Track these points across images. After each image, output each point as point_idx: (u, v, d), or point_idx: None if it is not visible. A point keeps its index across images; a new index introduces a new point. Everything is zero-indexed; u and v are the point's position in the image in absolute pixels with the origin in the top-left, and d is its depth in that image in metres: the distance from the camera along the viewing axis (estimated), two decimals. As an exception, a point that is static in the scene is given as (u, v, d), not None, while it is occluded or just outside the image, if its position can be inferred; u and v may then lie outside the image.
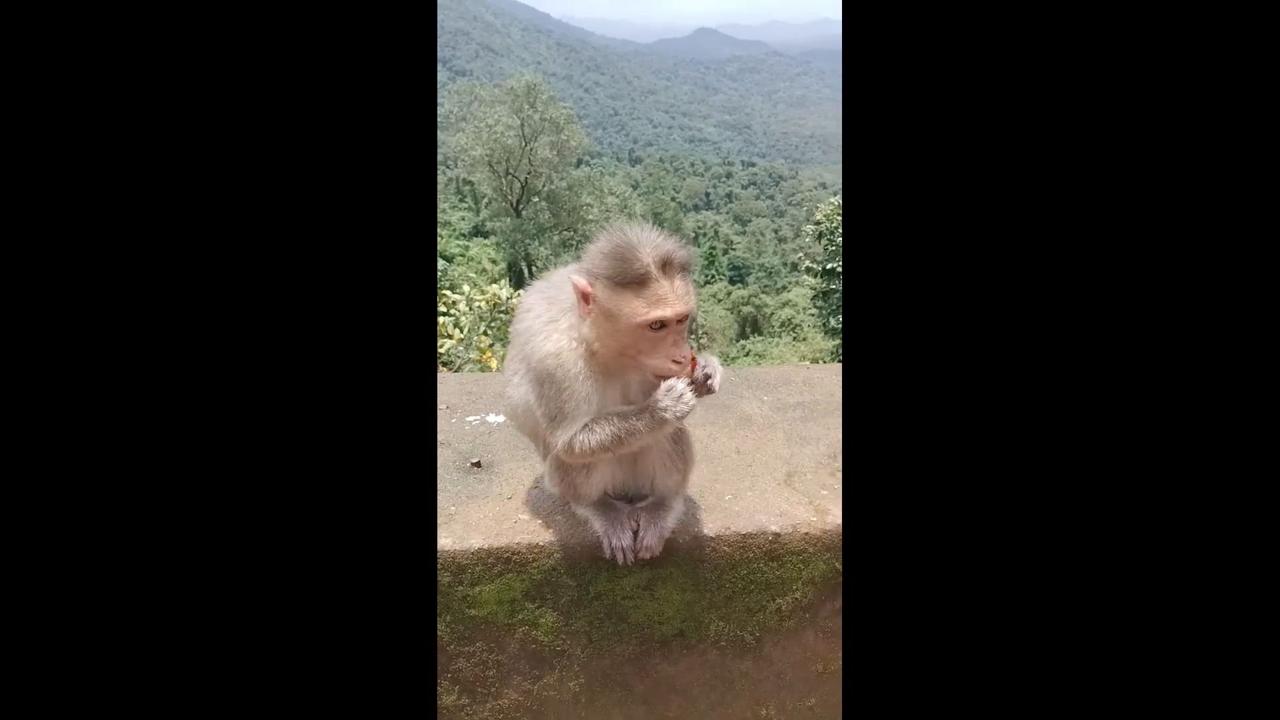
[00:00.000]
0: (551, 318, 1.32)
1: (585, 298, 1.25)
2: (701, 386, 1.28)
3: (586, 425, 1.29)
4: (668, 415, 1.25)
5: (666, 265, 1.22)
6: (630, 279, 1.20)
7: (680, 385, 1.25)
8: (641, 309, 1.21)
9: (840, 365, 2.36)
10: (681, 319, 1.23)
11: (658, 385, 1.28)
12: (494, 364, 5.16)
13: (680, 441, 1.43)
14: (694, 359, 1.28)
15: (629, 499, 1.48)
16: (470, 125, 33.62)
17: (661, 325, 1.22)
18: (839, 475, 1.68)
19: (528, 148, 33.33)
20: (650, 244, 1.23)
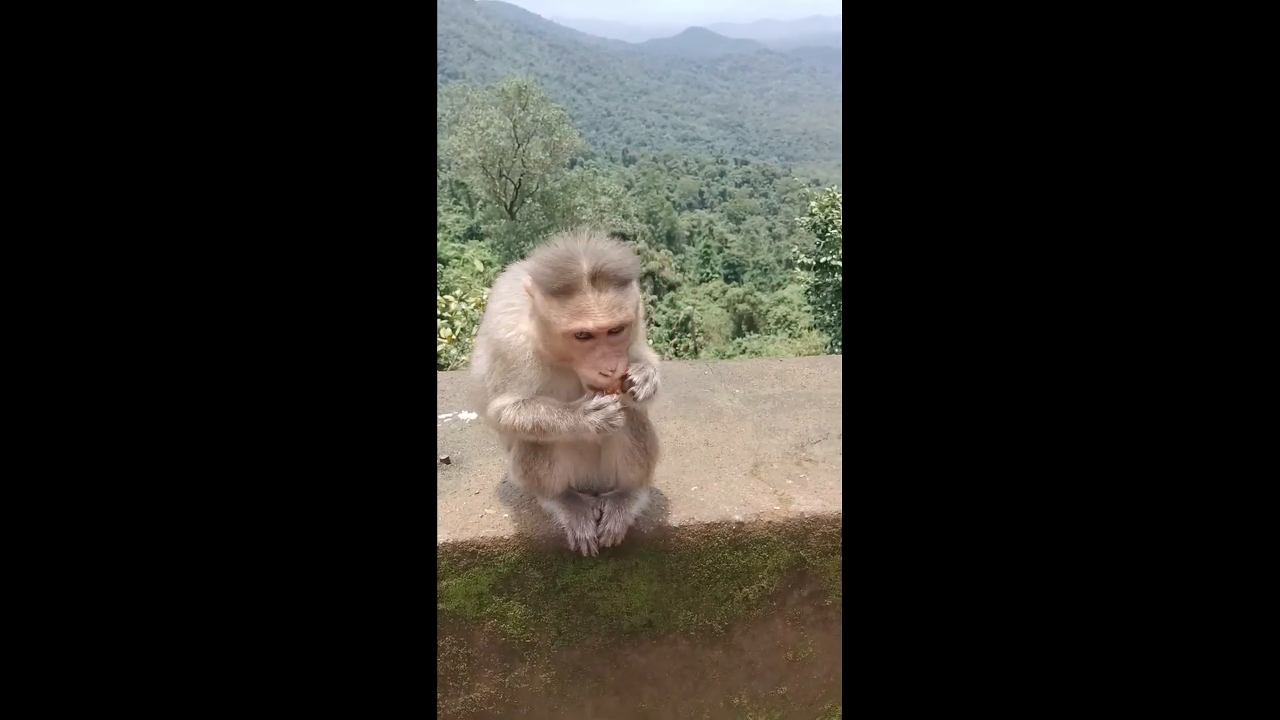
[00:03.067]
0: (511, 303, 1.36)
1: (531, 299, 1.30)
2: (625, 396, 1.29)
3: (518, 403, 1.34)
4: (591, 430, 1.28)
5: (597, 277, 1.22)
6: (558, 288, 1.23)
7: (611, 406, 1.27)
8: (565, 319, 1.23)
9: (814, 359, 2.38)
10: (609, 331, 1.24)
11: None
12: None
13: (643, 437, 1.44)
14: (626, 374, 1.28)
15: (594, 492, 1.50)
16: (463, 128, 33.60)
17: (587, 335, 1.24)
18: (805, 465, 1.70)
19: (520, 149, 33.33)
20: (586, 254, 1.23)
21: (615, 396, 1.28)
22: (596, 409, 1.27)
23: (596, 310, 1.22)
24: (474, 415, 1.89)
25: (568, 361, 1.30)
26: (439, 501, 1.54)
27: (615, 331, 1.24)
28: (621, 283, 1.24)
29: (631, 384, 1.28)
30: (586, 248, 1.25)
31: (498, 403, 1.36)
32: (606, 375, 1.27)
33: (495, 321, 1.37)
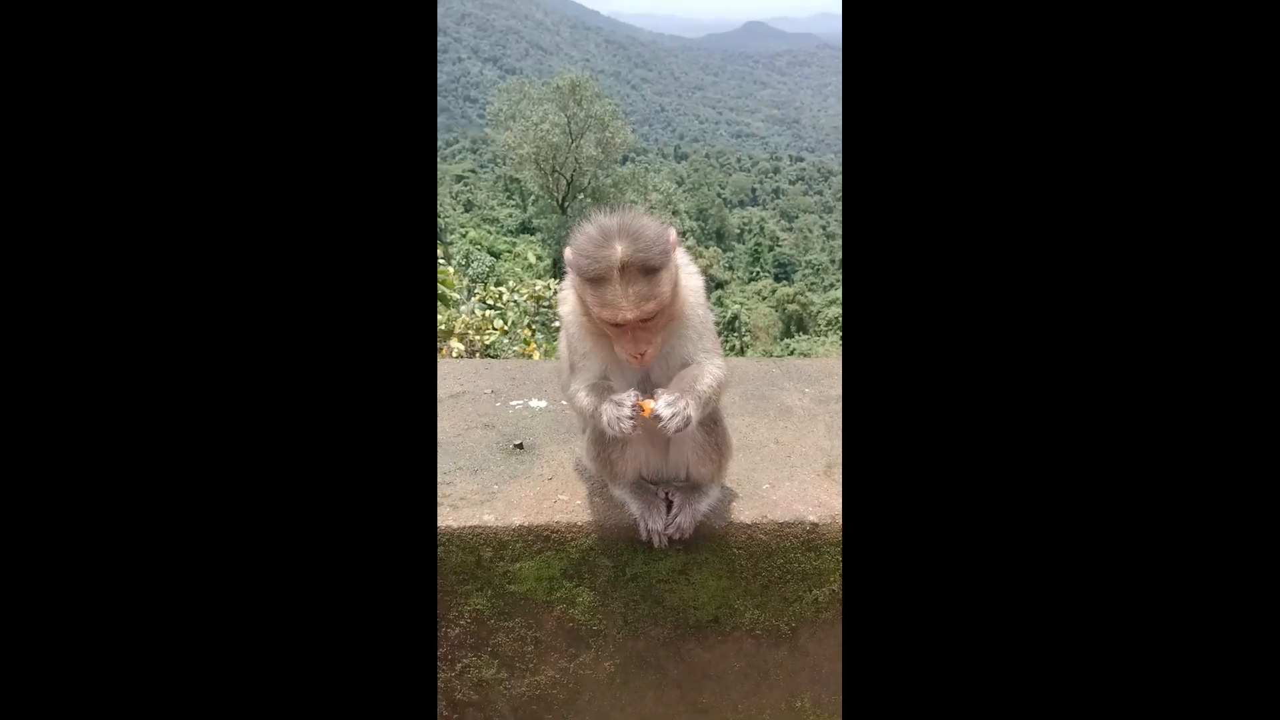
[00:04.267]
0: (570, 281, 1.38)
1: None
2: (640, 417, 1.27)
3: (587, 386, 1.38)
4: (604, 425, 1.30)
5: (626, 268, 1.22)
6: (589, 277, 1.24)
7: (628, 404, 1.27)
8: (596, 306, 1.26)
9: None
10: (638, 321, 1.25)
11: (674, 362, 1.37)
12: (536, 355, 5.25)
13: (714, 432, 1.43)
14: (647, 406, 1.27)
15: (665, 484, 1.49)
16: (518, 123, 34.12)
17: (617, 324, 1.26)
18: (880, 468, 1.66)
19: (574, 145, 33.64)
20: (616, 242, 1.22)
21: (634, 406, 1.27)
22: (616, 405, 1.28)
23: (624, 303, 1.23)
24: (544, 403, 1.92)
25: (612, 337, 1.33)
26: (513, 485, 1.57)
27: (643, 320, 1.26)
28: (650, 271, 1.24)
29: (659, 418, 1.26)
30: (620, 228, 1.24)
31: (574, 385, 1.41)
32: (637, 356, 1.29)
33: (559, 297, 1.43)
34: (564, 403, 1.50)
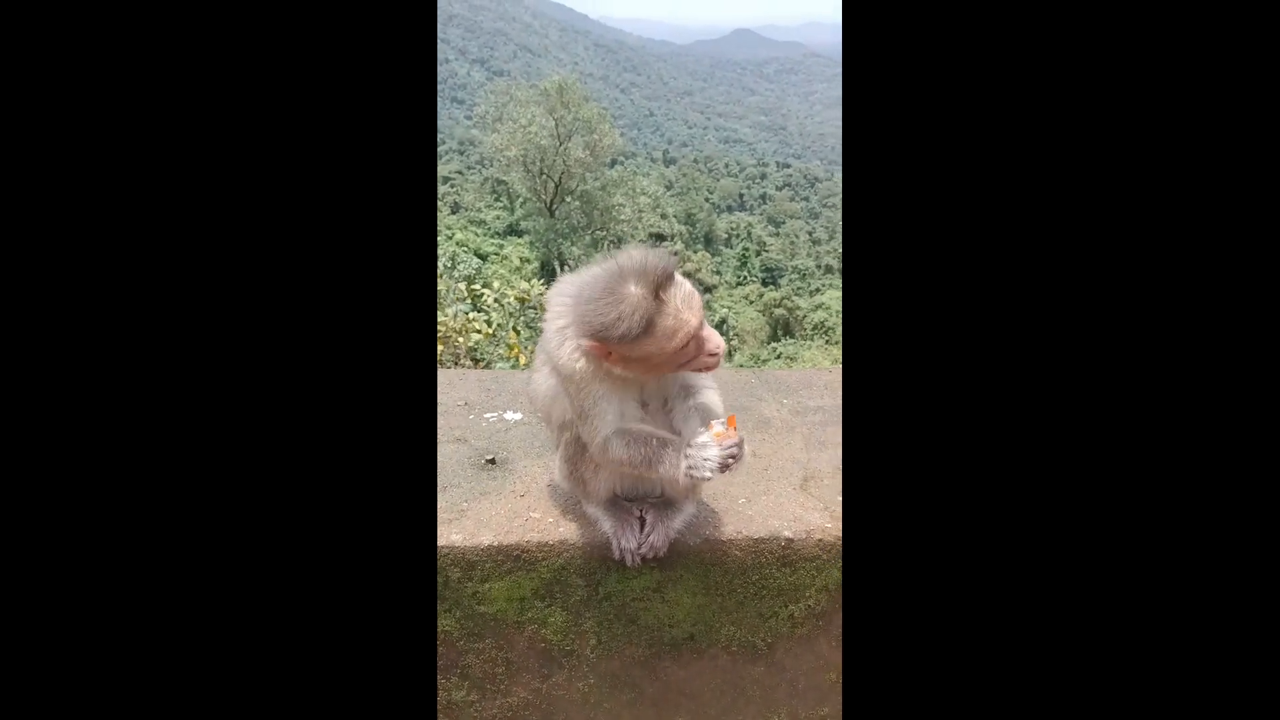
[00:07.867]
0: (564, 327, 1.30)
1: (605, 355, 1.24)
2: (724, 462, 1.25)
3: (622, 433, 1.31)
4: (692, 472, 1.26)
5: (658, 291, 1.18)
6: (639, 331, 1.17)
7: (713, 450, 1.24)
8: (668, 343, 1.20)
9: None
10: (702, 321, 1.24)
11: (672, 387, 1.35)
12: (522, 359, 5.20)
13: None
14: (732, 421, 1.28)
15: (640, 500, 1.47)
16: (505, 125, 34.01)
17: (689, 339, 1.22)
18: (858, 482, 1.65)
19: (562, 148, 33.58)
20: (628, 286, 1.18)
21: (719, 444, 1.25)
22: (700, 449, 1.25)
23: (686, 314, 1.20)
24: (519, 415, 1.89)
25: (672, 370, 1.29)
26: (484, 502, 1.53)
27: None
28: (671, 275, 1.21)
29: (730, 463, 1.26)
30: (618, 274, 1.20)
31: (598, 435, 1.33)
32: (715, 354, 1.27)
33: (551, 345, 1.33)
34: (592, 452, 1.39)
